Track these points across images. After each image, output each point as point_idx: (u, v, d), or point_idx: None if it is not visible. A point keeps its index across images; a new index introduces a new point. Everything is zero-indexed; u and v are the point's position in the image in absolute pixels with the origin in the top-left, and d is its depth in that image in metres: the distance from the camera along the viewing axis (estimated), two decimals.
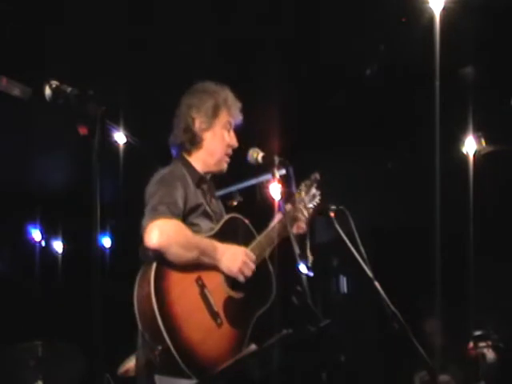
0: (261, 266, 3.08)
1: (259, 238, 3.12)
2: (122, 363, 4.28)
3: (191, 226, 2.96)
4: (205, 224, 3.04)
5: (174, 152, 3.23)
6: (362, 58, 5.39)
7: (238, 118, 3.22)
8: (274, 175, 3.06)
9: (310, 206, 3.33)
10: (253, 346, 2.96)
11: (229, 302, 2.95)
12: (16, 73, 2.57)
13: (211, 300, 2.87)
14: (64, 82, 2.34)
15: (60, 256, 8.37)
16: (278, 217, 3.23)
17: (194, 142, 3.15)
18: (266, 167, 3.13)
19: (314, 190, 3.35)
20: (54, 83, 2.33)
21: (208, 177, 3.23)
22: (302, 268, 2.81)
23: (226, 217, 3.11)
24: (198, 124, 3.14)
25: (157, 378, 2.87)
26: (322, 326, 2.69)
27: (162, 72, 5.14)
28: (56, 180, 6.86)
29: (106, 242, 7.89)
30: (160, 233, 2.77)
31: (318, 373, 2.84)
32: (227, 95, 3.19)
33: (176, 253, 2.79)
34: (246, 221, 3.19)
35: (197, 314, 2.82)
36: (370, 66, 5.45)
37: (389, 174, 6.47)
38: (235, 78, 3.31)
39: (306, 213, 3.25)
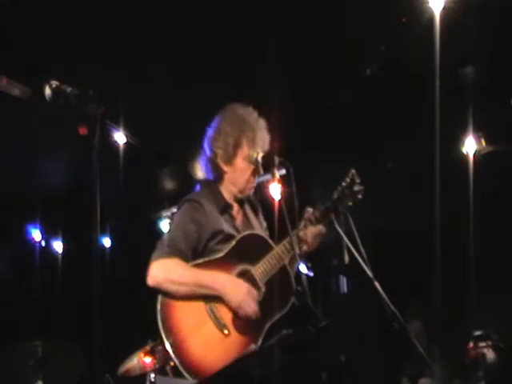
0: (281, 272, 3.11)
1: (276, 249, 3.13)
2: (122, 363, 4.28)
3: (211, 252, 3.08)
4: (228, 247, 3.10)
5: (206, 174, 3.30)
6: (362, 58, 5.39)
7: (264, 147, 3.21)
8: (273, 175, 3.07)
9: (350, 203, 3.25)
10: (253, 346, 2.97)
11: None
12: (16, 73, 2.57)
13: (217, 313, 2.99)
14: (64, 82, 2.34)
15: (60, 256, 8.36)
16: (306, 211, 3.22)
17: (217, 171, 3.24)
18: (265, 167, 3.14)
19: (357, 187, 3.24)
20: (54, 83, 2.33)
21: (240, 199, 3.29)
22: (302, 268, 2.81)
23: (238, 237, 3.13)
24: (219, 158, 3.21)
25: (157, 378, 2.90)
26: (321, 326, 2.70)
27: (162, 71, 5.14)
28: (56, 180, 6.85)
29: (106, 241, 7.88)
30: (154, 273, 3.00)
31: (318, 373, 2.84)
32: (251, 127, 3.19)
33: (168, 289, 2.99)
34: (262, 234, 3.24)
35: (202, 328, 2.97)
36: (370, 66, 5.45)
37: (389, 174, 6.47)
38: (235, 78, 3.30)
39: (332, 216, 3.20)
